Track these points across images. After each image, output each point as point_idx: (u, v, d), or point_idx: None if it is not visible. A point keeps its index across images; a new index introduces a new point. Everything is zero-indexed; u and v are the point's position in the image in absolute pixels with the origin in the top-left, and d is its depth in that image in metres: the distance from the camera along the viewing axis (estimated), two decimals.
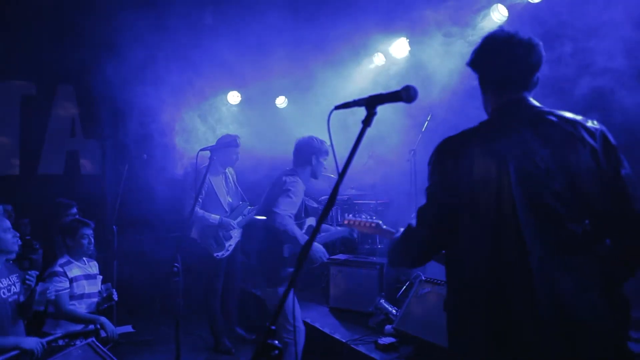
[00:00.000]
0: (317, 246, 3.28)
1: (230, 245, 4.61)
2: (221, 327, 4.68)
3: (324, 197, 5.39)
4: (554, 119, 1.57)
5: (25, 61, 6.20)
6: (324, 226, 3.68)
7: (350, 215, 2.68)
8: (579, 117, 1.59)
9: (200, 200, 4.49)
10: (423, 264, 1.82)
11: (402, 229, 1.79)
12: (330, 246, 4.86)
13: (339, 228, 3.65)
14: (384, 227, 2.46)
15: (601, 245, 1.53)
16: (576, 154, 1.50)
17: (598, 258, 1.50)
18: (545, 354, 1.45)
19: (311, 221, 3.40)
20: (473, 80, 1.82)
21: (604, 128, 1.59)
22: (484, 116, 1.77)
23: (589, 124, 1.58)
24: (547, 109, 1.61)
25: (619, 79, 3.29)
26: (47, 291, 3.08)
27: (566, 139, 1.52)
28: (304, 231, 3.33)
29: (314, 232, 1.40)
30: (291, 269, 3.19)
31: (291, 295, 3.02)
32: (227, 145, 3.63)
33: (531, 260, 1.46)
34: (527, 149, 1.52)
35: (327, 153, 3.46)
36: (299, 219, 3.31)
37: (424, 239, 1.67)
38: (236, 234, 4.66)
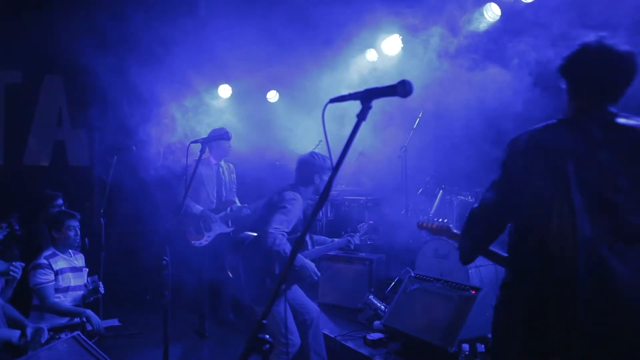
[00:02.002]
0: (308, 264, 3.19)
1: (209, 236, 4.67)
2: (204, 312, 4.78)
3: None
4: (627, 123, 1.58)
5: (11, 49, 6.07)
6: (321, 238, 3.64)
7: (424, 219, 2.72)
8: None
9: (192, 192, 4.50)
10: (484, 247, 1.86)
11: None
12: None
13: (336, 240, 3.60)
14: (454, 230, 2.45)
15: None
16: None
17: None
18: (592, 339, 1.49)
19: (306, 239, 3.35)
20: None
21: None
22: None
23: None
24: (624, 115, 1.61)
25: None
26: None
27: (635, 143, 1.54)
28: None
29: (298, 242, 1.39)
30: (282, 286, 3.14)
31: (283, 307, 3.03)
32: (218, 137, 3.60)
33: (582, 242, 1.50)
34: (592, 147, 1.56)
35: (330, 169, 3.40)
36: (294, 233, 3.24)
37: (485, 219, 1.77)
38: (218, 227, 4.70)
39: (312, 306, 3.40)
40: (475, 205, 1.82)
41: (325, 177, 3.35)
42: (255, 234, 3.24)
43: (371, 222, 3.86)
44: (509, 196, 1.69)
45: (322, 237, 3.65)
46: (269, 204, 3.27)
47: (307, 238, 3.33)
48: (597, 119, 1.61)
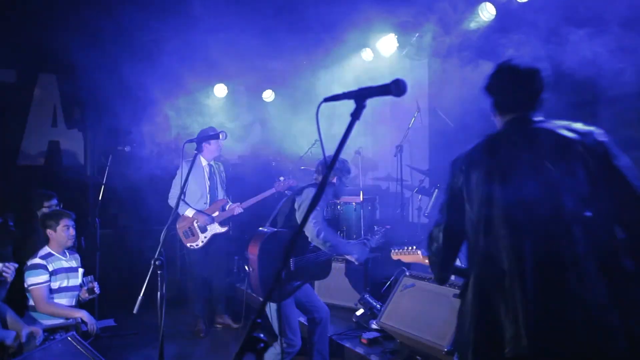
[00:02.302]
0: (362, 248, 3.36)
1: (205, 237, 4.68)
2: (200, 312, 4.81)
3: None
4: (553, 129, 1.74)
5: (4, 48, 6.03)
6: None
7: (396, 248, 2.80)
8: (581, 128, 1.73)
9: (185, 193, 4.50)
10: (449, 264, 1.96)
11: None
12: None
13: (351, 242, 3.61)
14: (424, 255, 2.51)
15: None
16: (567, 162, 1.66)
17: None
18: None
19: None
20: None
21: (605, 139, 1.71)
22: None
23: (585, 130, 1.72)
24: (549, 122, 1.79)
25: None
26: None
27: (558, 147, 1.69)
28: (312, 245, 3.31)
29: (300, 226, 1.39)
30: (297, 283, 3.19)
31: (289, 308, 3.13)
32: (210, 137, 3.59)
33: (517, 235, 1.68)
34: (519, 158, 1.73)
35: (349, 172, 3.48)
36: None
37: (441, 239, 1.89)
38: (213, 228, 4.69)
39: (323, 306, 3.43)
40: (432, 227, 1.95)
41: (345, 179, 3.43)
42: (274, 229, 3.25)
43: (388, 226, 3.90)
44: (454, 215, 1.85)
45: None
46: (291, 202, 3.31)
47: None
48: (521, 129, 1.79)
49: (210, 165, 4.80)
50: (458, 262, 2.04)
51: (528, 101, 1.83)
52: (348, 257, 3.36)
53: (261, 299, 3.26)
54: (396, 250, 2.70)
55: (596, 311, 1.56)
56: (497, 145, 1.81)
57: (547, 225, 1.64)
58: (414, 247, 2.65)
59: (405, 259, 2.66)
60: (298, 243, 3.18)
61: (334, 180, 3.38)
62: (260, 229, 3.33)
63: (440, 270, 1.94)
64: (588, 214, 1.62)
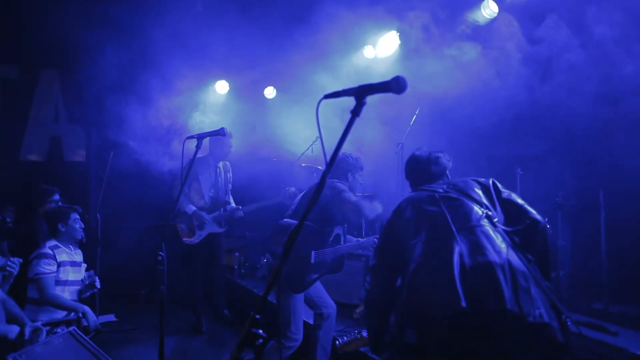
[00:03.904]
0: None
1: (200, 234, 4.70)
2: (200, 308, 4.83)
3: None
4: (441, 189, 2.33)
5: (6, 43, 6.04)
6: (348, 237, 3.67)
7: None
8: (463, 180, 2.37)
9: (187, 189, 4.53)
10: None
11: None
12: None
13: (361, 240, 3.65)
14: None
15: None
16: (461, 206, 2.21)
17: None
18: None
19: (338, 229, 3.40)
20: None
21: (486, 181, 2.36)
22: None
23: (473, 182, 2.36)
24: (441, 184, 2.40)
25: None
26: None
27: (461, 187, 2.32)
28: (331, 239, 3.35)
29: (302, 217, 1.40)
30: (315, 275, 3.21)
31: (298, 302, 3.18)
32: (214, 133, 3.58)
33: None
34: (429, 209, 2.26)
35: (362, 169, 3.52)
36: (329, 225, 3.31)
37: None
38: (209, 227, 4.72)
39: (331, 302, 3.47)
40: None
41: (358, 176, 3.49)
42: (295, 222, 3.25)
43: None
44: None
45: (349, 236, 3.67)
46: (308, 196, 3.35)
47: (341, 233, 3.42)
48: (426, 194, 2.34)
49: (216, 166, 4.83)
50: None
51: (428, 180, 2.48)
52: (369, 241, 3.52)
53: (260, 294, 3.25)
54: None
55: None
56: (418, 201, 2.40)
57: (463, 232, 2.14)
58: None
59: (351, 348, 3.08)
60: (319, 237, 3.22)
61: (349, 178, 3.43)
62: (283, 221, 3.32)
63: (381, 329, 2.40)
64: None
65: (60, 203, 4.32)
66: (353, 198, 3.21)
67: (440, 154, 2.55)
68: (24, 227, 4.28)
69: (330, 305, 3.43)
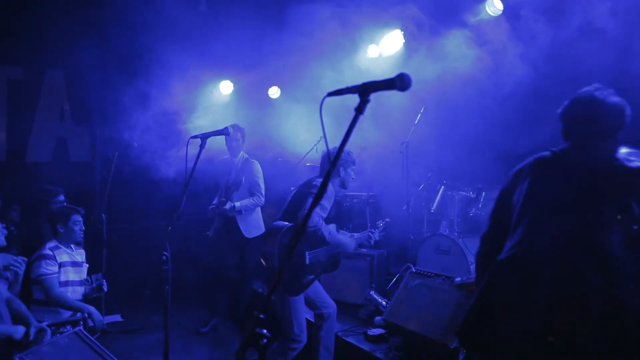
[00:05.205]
0: (350, 242, 3.43)
1: (214, 227, 4.84)
2: (208, 307, 4.95)
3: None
4: (585, 161, 1.92)
5: (12, 44, 6.06)
6: (342, 232, 3.68)
7: (461, 279, 3.10)
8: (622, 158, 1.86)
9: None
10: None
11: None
12: None
13: (356, 235, 3.63)
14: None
15: None
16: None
17: None
18: None
19: (332, 227, 3.37)
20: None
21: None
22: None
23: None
24: (589, 155, 1.94)
25: None
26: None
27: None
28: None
29: (304, 219, 1.39)
30: (311, 276, 3.20)
31: (299, 303, 3.16)
32: (217, 133, 3.58)
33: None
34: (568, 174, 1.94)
35: (354, 163, 3.51)
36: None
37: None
38: (216, 221, 4.83)
39: (330, 301, 3.46)
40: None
41: (350, 171, 3.48)
42: (291, 224, 3.24)
43: (388, 219, 3.93)
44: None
45: (344, 231, 3.67)
46: (300, 193, 3.32)
47: (335, 230, 3.40)
48: (584, 155, 1.94)
49: (232, 162, 4.86)
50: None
51: (600, 132, 1.95)
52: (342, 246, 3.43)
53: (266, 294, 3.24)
54: (461, 284, 2.99)
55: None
56: (549, 165, 2.07)
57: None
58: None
59: (472, 290, 2.83)
60: (311, 236, 3.17)
61: (341, 172, 3.43)
62: (276, 222, 3.33)
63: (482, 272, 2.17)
64: None
65: (65, 204, 4.34)
66: (323, 211, 3.19)
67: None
68: (29, 227, 4.31)
69: (330, 305, 3.42)
